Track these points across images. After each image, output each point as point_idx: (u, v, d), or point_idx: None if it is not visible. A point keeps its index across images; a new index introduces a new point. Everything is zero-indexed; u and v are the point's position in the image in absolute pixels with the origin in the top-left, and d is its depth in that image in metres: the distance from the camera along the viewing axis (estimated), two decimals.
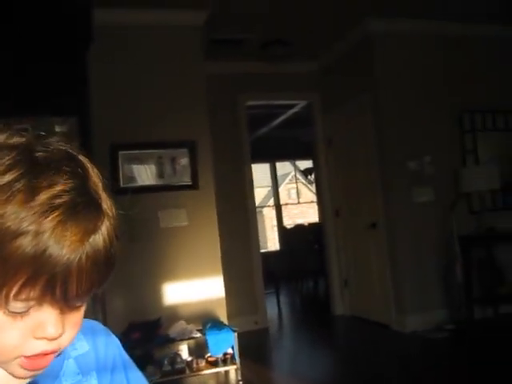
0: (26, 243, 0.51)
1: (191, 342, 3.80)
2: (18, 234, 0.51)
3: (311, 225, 8.91)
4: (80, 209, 0.54)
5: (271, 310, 6.22)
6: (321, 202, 6.19)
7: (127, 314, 3.78)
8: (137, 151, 4.01)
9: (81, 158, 0.60)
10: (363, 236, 5.28)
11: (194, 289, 4.00)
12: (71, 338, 0.60)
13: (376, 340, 4.73)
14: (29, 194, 0.52)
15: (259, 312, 5.51)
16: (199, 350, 3.79)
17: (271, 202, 11.06)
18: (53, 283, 0.52)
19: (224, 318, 4.03)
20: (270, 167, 10.69)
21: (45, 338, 0.56)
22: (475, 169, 4.86)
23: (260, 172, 10.19)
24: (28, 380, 0.61)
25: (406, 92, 4.86)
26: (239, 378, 3.68)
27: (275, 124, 8.38)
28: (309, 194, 11.80)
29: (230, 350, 3.70)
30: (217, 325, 3.78)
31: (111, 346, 0.76)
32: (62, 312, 0.56)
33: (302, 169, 11.26)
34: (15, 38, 3.19)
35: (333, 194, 5.84)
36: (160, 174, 4.06)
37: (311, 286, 8.13)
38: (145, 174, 4.03)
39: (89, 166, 0.60)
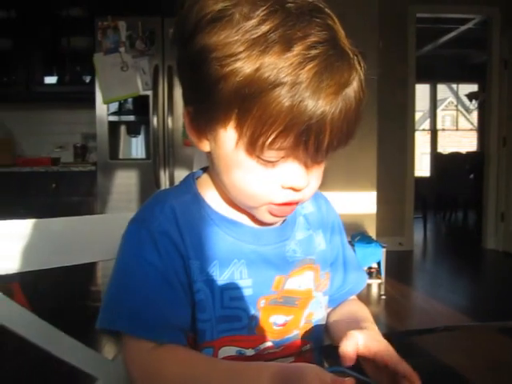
0: (283, 93, 0.52)
1: None
2: (276, 84, 0.52)
3: (469, 153, 8.40)
4: (333, 61, 0.54)
5: (417, 234, 6.11)
6: (485, 130, 5.76)
7: None
8: None
9: (328, 11, 0.58)
10: None
11: (348, 200, 4.02)
12: (313, 190, 0.64)
13: None
14: (285, 45, 0.52)
15: (406, 234, 5.45)
16: None
17: (424, 126, 10.50)
18: (307, 134, 0.54)
19: (373, 234, 4.05)
20: (430, 89, 10.04)
21: (291, 188, 0.60)
22: None
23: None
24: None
25: None
26: (382, 292, 3.74)
27: (442, 42, 7.79)
28: (464, 122, 11.03)
29: (374, 265, 3.74)
30: (365, 239, 3.81)
31: (331, 211, 0.82)
32: (306, 166, 0.59)
33: (465, 93, 10.45)
34: None
35: (500, 121, 5.40)
36: None
37: (460, 216, 7.80)
38: None
39: (335, 19, 0.58)
